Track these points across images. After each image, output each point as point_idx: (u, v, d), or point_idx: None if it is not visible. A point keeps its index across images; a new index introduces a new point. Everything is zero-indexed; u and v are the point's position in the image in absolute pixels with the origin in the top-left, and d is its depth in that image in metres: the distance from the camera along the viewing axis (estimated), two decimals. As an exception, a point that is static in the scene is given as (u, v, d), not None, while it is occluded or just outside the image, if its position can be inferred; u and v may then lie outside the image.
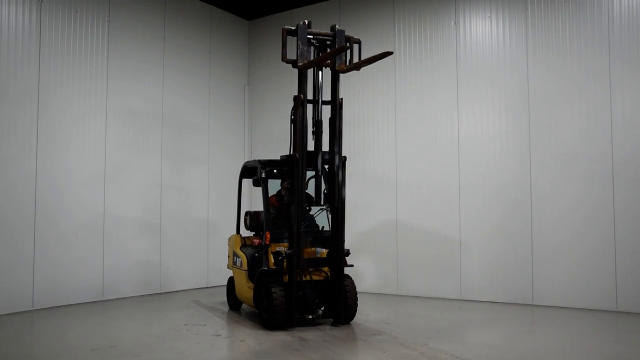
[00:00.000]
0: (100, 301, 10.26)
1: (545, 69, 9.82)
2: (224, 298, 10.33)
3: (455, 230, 10.57)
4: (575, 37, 9.61)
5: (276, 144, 12.62)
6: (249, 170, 9.63)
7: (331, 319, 8.31)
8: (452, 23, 10.79)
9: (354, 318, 8.32)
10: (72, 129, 9.98)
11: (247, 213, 9.41)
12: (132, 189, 10.97)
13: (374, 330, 7.82)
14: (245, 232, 9.82)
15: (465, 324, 8.53)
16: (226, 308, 9.73)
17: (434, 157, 10.86)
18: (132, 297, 10.81)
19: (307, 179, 8.11)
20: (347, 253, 8.14)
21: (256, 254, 8.76)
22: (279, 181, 9.28)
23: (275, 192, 9.23)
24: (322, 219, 8.68)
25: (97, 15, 10.44)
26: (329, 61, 8.04)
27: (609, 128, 9.22)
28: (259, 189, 8.96)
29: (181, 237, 11.94)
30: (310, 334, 7.52)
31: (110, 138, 10.57)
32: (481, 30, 10.49)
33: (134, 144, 11.05)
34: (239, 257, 9.05)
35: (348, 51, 8.15)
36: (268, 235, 8.20)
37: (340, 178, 8.05)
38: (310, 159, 8.10)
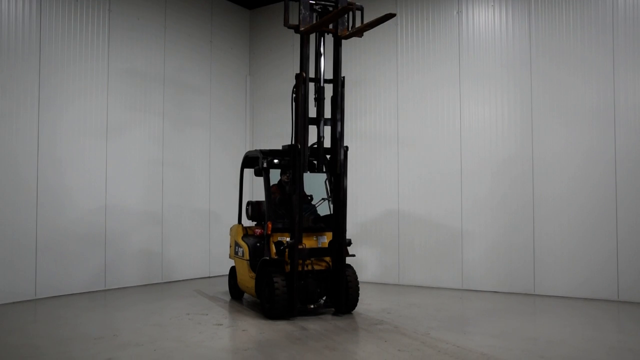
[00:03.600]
0: (102, 291, 10.29)
1: (549, 55, 9.77)
2: (226, 288, 10.35)
3: (457, 220, 10.57)
4: (579, 25, 9.55)
5: (278, 134, 12.61)
6: (251, 160, 9.62)
7: (333, 309, 8.32)
8: (455, 12, 10.74)
9: (356, 308, 8.33)
10: (73, 117, 9.97)
11: (248, 203, 9.40)
12: (134, 180, 10.97)
13: (376, 319, 7.83)
14: (246, 222, 9.82)
15: (467, 313, 8.54)
16: (228, 298, 9.75)
17: (436, 145, 10.84)
18: (134, 286, 10.83)
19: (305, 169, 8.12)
20: (349, 243, 8.14)
21: (258, 244, 8.76)
22: (279, 172, 9.29)
23: (276, 182, 9.23)
24: (324, 209, 8.69)
25: (98, 4, 10.40)
26: (331, 27, 8.05)
27: (612, 117, 9.19)
28: (261, 179, 8.95)
29: (183, 227, 11.96)
30: (311, 324, 7.53)
31: (112, 128, 10.55)
32: (484, 19, 10.44)
33: (135, 136, 11.03)
34: (240, 247, 9.06)
35: (350, 17, 8.18)
36: (270, 225, 8.20)
37: (341, 168, 8.05)
38: (312, 149, 8.11)
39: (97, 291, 10.21)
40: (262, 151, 8.74)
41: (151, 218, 11.33)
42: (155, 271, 11.37)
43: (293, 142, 7.99)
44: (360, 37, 8.09)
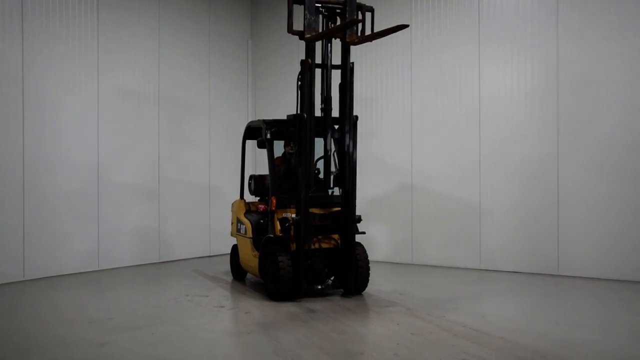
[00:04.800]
0: (96, 271, 10.37)
1: (578, 15, 9.64)
2: (227, 267, 10.40)
3: (475, 195, 10.55)
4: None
5: (282, 103, 12.56)
6: (253, 131, 9.60)
7: (341, 290, 8.37)
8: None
9: (366, 288, 8.36)
10: (62, 87, 9.95)
11: (251, 177, 9.40)
12: (128, 151, 10.99)
13: (387, 301, 7.87)
14: (249, 197, 9.83)
15: (485, 295, 8.56)
16: (230, 278, 9.81)
17: (454, 116, 10.77)
18: (129, 266, 10.91)
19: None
20: (359, 219, 8.15)
21: (261, 221, 8.78)
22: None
23: (281, 154, 9.22)
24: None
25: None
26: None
27: (644, 84, 9.11)
28: (264, 151, 8.94)
29: (181, 203, 12.00)
30: (319, 305, 7.57)
31: (104, 95, 10.54)
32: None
33: (129, 103, 11.03)
34: (243, 224, 9.08)
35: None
36: (274, 201, 8.20)
37: (350, 139, 8.03)
38: (318, 119, 8.09)
39: (89, 272, 10.28)
40: (265, 121, 8.72)
41: (147, 193, 11.37)
42: (151, 250, 11.44)
43: (298, 112, 7.97)
44: (371, 42, 8.04)
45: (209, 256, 12.51)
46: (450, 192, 10.80)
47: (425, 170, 11.10)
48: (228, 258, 10.32)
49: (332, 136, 8.25)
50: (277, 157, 9.04)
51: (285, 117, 8.71)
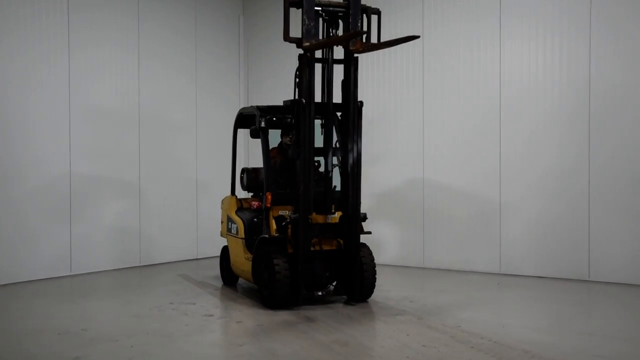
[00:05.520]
0: (68, 276, 10.35)
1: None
2: (217, 271, 10.39)
3: (494, 191, 10.53)
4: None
5: (278, 87, 12.53)
6: (246, 119, 9.58)
7: (344, 296, 8.36)
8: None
9: (372, 295, 8.35)
10: (30, 68, 9.90)
11: (243, 170, 9.39)
12: (105, 142, 10.94)
13: (396, 309, 7.85)
14: (241, 193, 9.82)
15: (506, 302, 8.55)
16: (219, 283, 9.81)
17: (470, 99, 10.74)
18: (107, 271, 10.89)
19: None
20: (364, 218, 8.15)
21: (255, 219, 8.78)
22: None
23: (277, 144, 9.20)
24: (335, 177, 8.64)
25: None
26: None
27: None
28: (258, 141, 8.93)
29: (164, 200, 11.98)
30: (319, 314, 7.56)
31: (75, 77, 10.50)
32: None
33: (105, 89, 10.98)
34: (234, 223, 9.07)
35: (365, 24, 8.10)
36: (269, 197, 8.19)
37: (354, 127, 8.01)
38: (319, 106, 8.07)
39: (61, 277, 10.26)
40: (259, 108, 8.69)
41: (126, 189, 11.34)
42: (131, 253, 11.42)
43: (296, 97, 7.94)
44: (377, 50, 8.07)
45: (196, 259, 12.50)
46: (467, 187, 10.77)
47: (438, 162, 11.07)
48: (217, 261, 10.31)
49: (334, 125, 8.22)
50: (273, 148, 9.02)
51: (281, 104, 8.68)
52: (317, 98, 8.05)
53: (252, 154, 13.04)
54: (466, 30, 10.81)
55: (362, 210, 8.20)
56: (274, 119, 8.61)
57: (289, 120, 8.60)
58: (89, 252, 10.70)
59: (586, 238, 9.70)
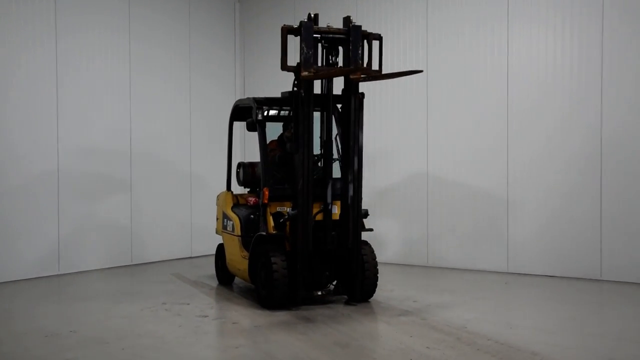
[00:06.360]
0: (56, 276, 10.35)
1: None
2: (212, 270, 10.39)
3: (502, 186, 10.51)
4: None
5: (276, 78, 12.49)
6: (242, 111, 9.57)
7: (345, 296, 8.37)
8: None
9: (374, 295, 8.36)
10: (14, 55, 9.90)
11: (239, 165, 9.39)
12: (94, 134, 10.93)
13: (399, 309, 7.86)
14: (237, 189, 9.82)
15: (514, 302, 8.57)
16: (214, 283, 9.81)
17: (477, 89, 10.72)
18: (96, 270, 10.89)
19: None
20: (365, 214, 8.15)
21: (252, 216, 8.78)
22: (279, 125, 9.23)
23: (277, 137, 9.18)
24: (334, 171, 8.64)
25: None
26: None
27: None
28: (255, 135, 8.92)
29: (157, 195, 11.98)
30: (318, 314, 7.57)
31: (63, 64, 10.48)
32: None
33: (94, 77, 10.95)
34: (230, 220, 9.07)
35: (366, 50, 8.08)
36: (266, 192, 8.19)
37: (356, 120, 8.00)
38: (318, 97, 8.07)
39: (49, 276, 10.26)
40: (256, 99, 8.68)
41: (117, 183, 11.34)
42: (122, 251, 11.43)
43: (295, 89, 7.93)
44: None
45: (190, 257, 12.51)
46: (474, 182, 10.76)
47: (443, 155, 11.06)
48: (212, 260, 10.32)
49: (334, 117, 8.22)
50: (272, 141, 9.02)
51: (279, 95, 8.67)
52: (317, 89, 8.05)
53: (248, 148, 13.03)
54: (472, 13, 10.78)
55: (364, 206, 8.20)
56: (272, 111, 8.59)
57: (287, 112, 8.59)
58: (78, 251, 10.70)
59: (598, 235, 9.69)
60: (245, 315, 7.64)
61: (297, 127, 7.83)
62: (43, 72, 10.25)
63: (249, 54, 13.53)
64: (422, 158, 11.27)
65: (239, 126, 12.26)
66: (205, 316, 7.64)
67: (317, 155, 8.41)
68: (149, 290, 9.20)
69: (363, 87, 8.28)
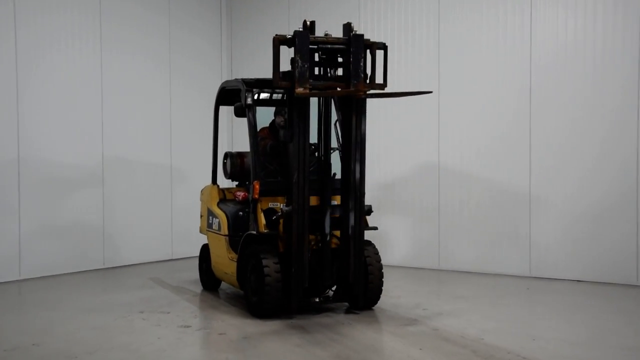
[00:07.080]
0: (17, 281, 10.35)
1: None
2: (195, 274, 10.41)
3: (524, 182, 10.52)
4: None
5: (268, 56, 12.48)
6: (229, 94, 9.56)
7: (346, 303, 8.39)
8: None
9: (378, 301, 8.39)
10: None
11: (226, 155, 9.39)
12: (61, 122, 10.93)
13: (406, 318, 7.87)
14: (224, 182, 9.82)
15: (537, 310, 8.56)
16: (198, 288, 9.83)
17: (494, 74, 10.74)
18: (64, 274, 10.90)
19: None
20: (369, 211, 8.15)
21: (240, 213, 8.77)
22: (271, 110, 9.22)
23: (268, 124, 9.19)
24: (335, 163, 8.63)
25: None
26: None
27: None
28: (244, 121, 8.92)
29: (133, 190, 12.00)
30: (316, 324, 7.58)
31: (23, 50, 10.46)
32: None
33: (60, 60, 10.94)
34: (216, 217, 9.08)
35: (369, 62, 7.99)
36: (257, 187, 8.17)
37: (358, 104, 7.99)
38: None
39: (8, 282, 10.26)
40: (245, 81, 8.65)
41: (87, 176, 11.34)
42: (93, 253, 11.44)
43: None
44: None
45: (171, 260, 12.55)
46: (491, 176, 10.78)
47: (457, 147, 11.08)
48: (196, 262, 10.33)
49: (333, 101, 8.21)
50: (263, 128, 9.02)
51: (271, 76, 8.66)
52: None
53: (236, 136, 13.02)
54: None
55: (367, 202, 8.19)
56: (263, 94, 8.57)
57: (280, 95, 8.57)
58: (41, 253, 10.69)
59: (635, 235, 9.71)
60: (233, 325, 7.63)
61: (291, 113, 7.81)
62: (3, 60, 10.23)
63: (237, 29, 13.53)
64: (433, 148, 11.29)
65: (226, 111, 12.24)
66: (188, 326, 7.63)
67: (313, 145, 8.40)
68: (124, 297, 9.20)
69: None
